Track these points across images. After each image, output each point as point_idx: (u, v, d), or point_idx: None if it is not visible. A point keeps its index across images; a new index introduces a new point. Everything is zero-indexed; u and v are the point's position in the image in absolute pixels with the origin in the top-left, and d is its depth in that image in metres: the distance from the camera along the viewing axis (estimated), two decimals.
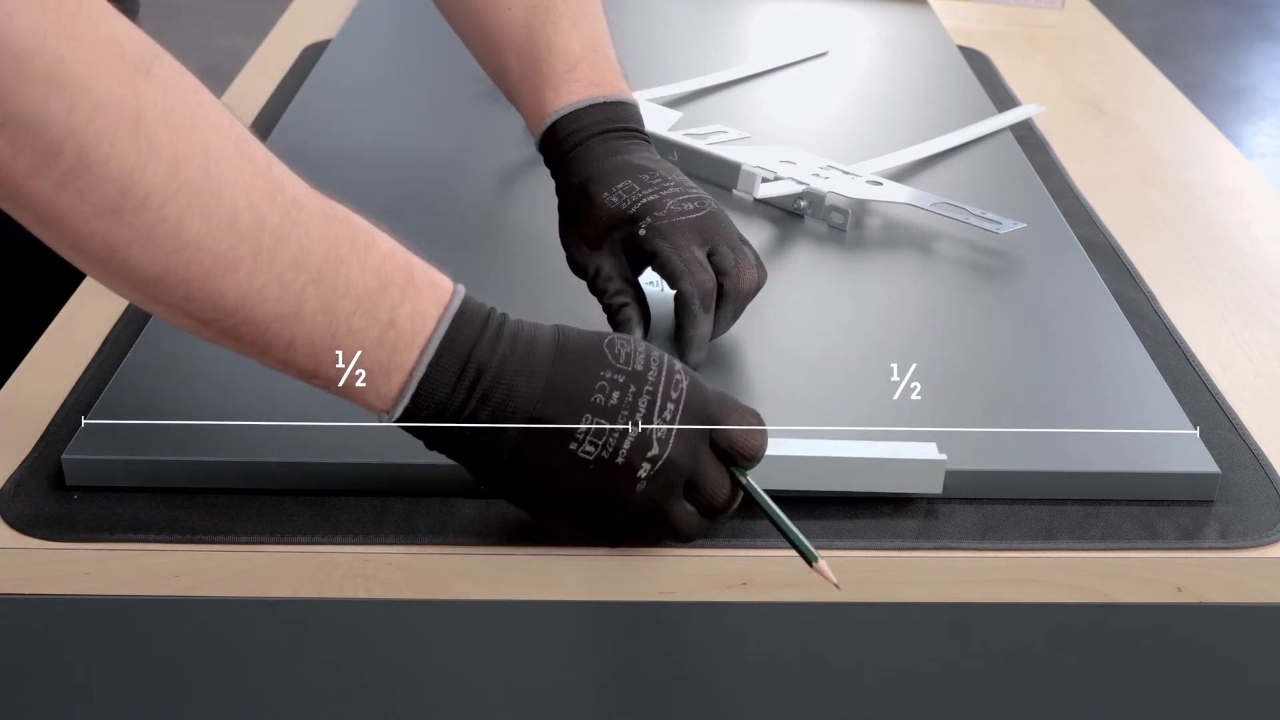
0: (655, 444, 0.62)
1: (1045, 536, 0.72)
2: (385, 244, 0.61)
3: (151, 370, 0.81)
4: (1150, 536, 0.72)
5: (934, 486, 0.72)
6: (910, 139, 1.14)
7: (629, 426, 0.61)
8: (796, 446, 0.72)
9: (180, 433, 0.74)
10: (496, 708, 0.75)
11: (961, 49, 1.42)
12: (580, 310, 0.87)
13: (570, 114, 0.87)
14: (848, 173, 1.04)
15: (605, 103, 0.87)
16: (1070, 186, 1.12)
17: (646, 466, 0.62)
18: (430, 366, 0.61)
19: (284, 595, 0.70)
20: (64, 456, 0.73)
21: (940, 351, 0.85)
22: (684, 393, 0.63)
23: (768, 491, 0.71)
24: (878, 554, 0.71)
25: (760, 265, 0.84)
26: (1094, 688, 0.75)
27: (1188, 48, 4.35)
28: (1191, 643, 0.74)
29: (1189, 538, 0.72)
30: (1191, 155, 1.23)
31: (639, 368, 0.63)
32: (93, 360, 0.84)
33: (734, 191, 1.05)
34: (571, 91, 0.87)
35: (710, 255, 0.82)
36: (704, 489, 0.65)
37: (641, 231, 0.81)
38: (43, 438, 0.77)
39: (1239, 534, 0.72)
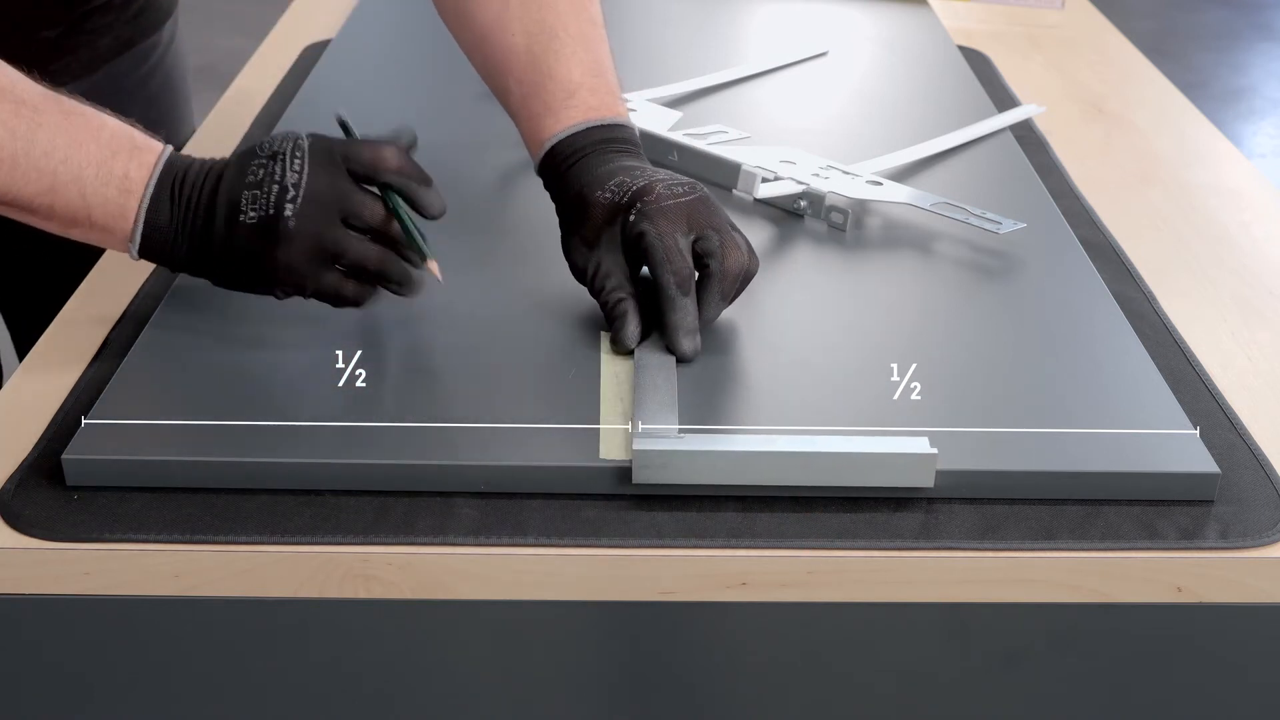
0: (290, 188, 0.77)
1: (1045, 536, 0.72)
2: (112, 123, 0.79)
3: (151, 370, 0.81)
4: (1150, 536, 0.72)
5: (925, 480, 0.72)
6: (910, 139, 1.14)
7: (270, 184, 0.78)
8: (789, 442, 0.72)
9: (180, 433, 0.74)
10: (496, 708, 0.75)
11: (961, 49, 1.41)
12: (580, 308, 0.87)
13: (568, 137, 0.89)
14: (848, 173, 1.04)
15: (602, 125, 0.89)
16: (1070, 186, 1.12)
17: (290, 207, 0.77)
18: (151, 200, 0.79)
19: (284, 595, 0.70)
20: (64, 456, 0.73)
21: (940, 351, 0.85)
22: (305, 148, 0.79)
23: (768, 488, 0.72)
24: (878, 554, 0.71)
25: (751, 252, 0.84)
26: (1094, 688, 0.75)
27: (1188, 48, 4.35)
28: (1191, 643, 0.74)
29: (1189, 538, 0.72)
30: (1191, 155, 1.23)
31: (276, 149, 0.79)
32: (93, 360, 0.84)
33: (734, 191, 1.05)
34: (570, 117, 0.89)
35: (697, 240, 0.82)
36: (357, 212, 0.79)
37: (631, 217, 0.83)
38: (43, 438, 0.77)
39: (1239, 534, 0.72)
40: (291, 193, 0.77)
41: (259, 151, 0.79)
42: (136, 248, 0.79)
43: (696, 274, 0.83)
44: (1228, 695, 0.76)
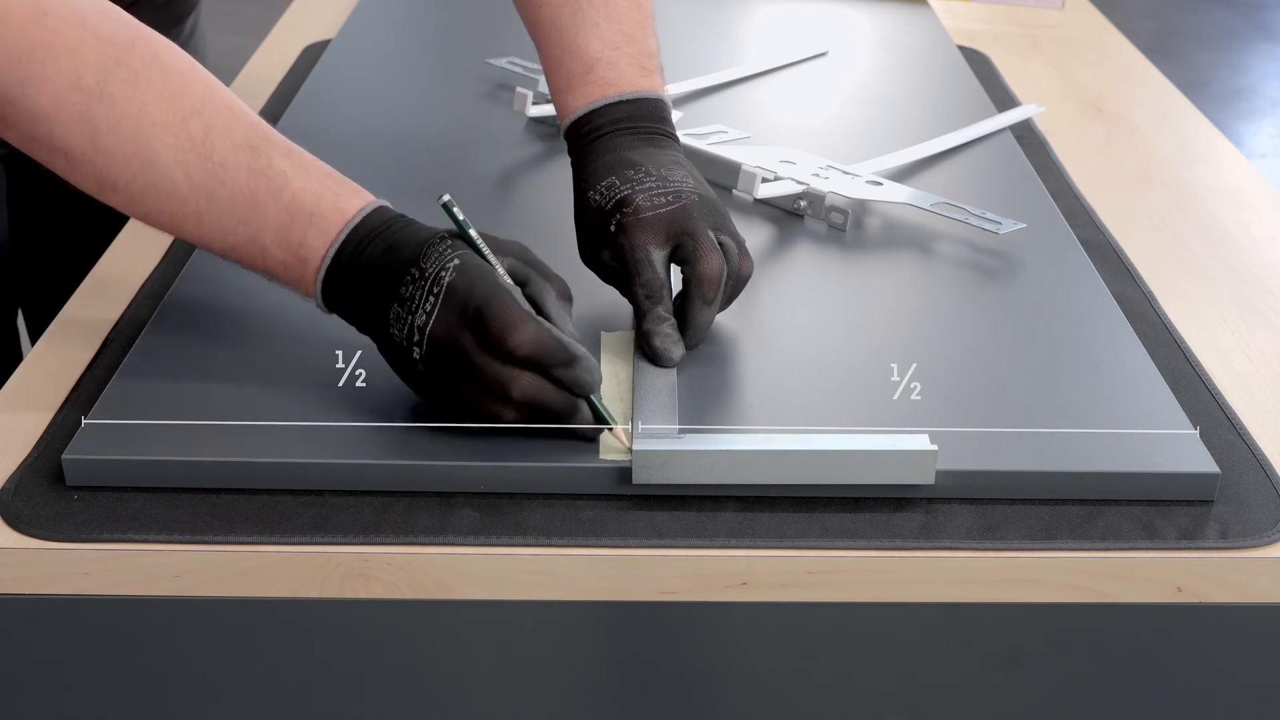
0: (417, 331, 0.73)
1: (1045, 536, 0.72)
2: (297, 183, 0.77)
3: (151, 370, 0.81)
4: (1150, 536, 0.72)
5: (926, 477, 0.72)
6: (910, 139, 1.14)
7: (407, 314, 0.74)
8: (789, 441, 0.72)
9: (180, 433, 0.74)
10: (496, 708, 0.75)
11: (961, 49, 1.41)
12: (580, 308, 0.87)
13: (583, 116, 0.88)
14: (848, 173, 1.04)
15: (618, 102, 0.88)
16: (1070, 186, 1.12)
17: (418, 350, 0.73)
18: (327, 272, 0.76)
19: (284, 595, 0.70)
20: (64, 456, 0.73)
21: (940, 351, 0.85)
22: (444, 288, 0.73)
23: (769, 486, 0.73)
24: (878, 554, 0.71)
25: (744, 254, 0.83)
26: (1094, 688, 0.75)
27: (1188, 48, 4.35)
28: (1191, 643, 0.74)
29: (1189, 538, 0.72)
30: (1191, 155, 1.23)
31: (426, 266, 0.74)
32: (93, 360, 0.84)
33: (734, 191, 1.05)
34: (587, 94, 0.89)
35: (675, 249, 0.82)
36: (476, 372, 0.72)
37: (612, 228, 0.83)
38: (43, 438, 0.77)
39: (1239, 534, 0.72)
40: (418, 336, 0.73)
41: (419, 260, 0.74)
42: (323, 310, 0.78)
43: (671, 283, 0.82)
44: (1228, 695, 0.76)
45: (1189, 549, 0.71)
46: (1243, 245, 1.05)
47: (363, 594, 0.70)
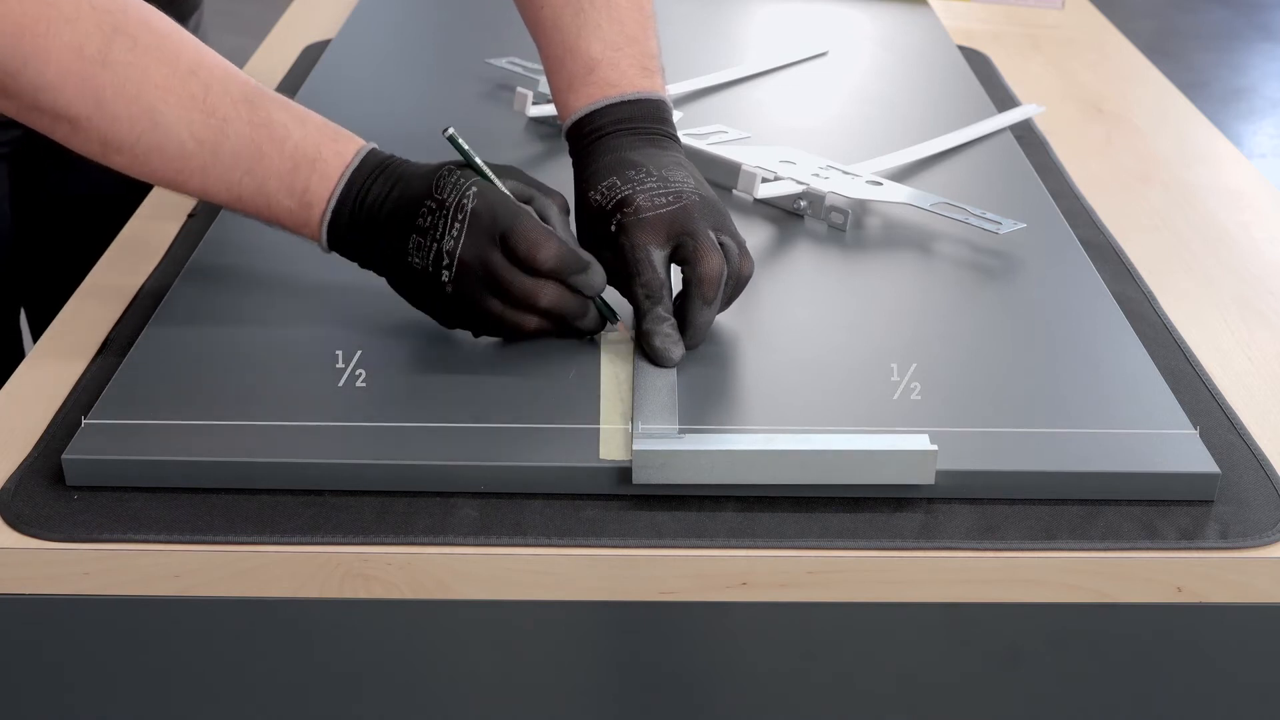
0: (445, 255, 0.78)
1: (1045, 536, 0.72)
2: (298, 133, 0.80)
3: (151, 370, 0.81)
4: (1150, 536, 0.72)
5: (926, 477, 0.72)
6: (910, 139, 1.14)
7: (430, 242, 0.78)
8: (789, 441, 0.72)
9: (180, 433, 0.74)
10: (496, 708, 0.75)
11: (961, 49, 1.41)
12: None
13: (584, 117, 0.89)
14: (848, 173, 1.04)
15: (619, 103, 0.88)
16: (1070, 186, 1.12)
17: (446, 273, 0.78)
18: (333, 214, 0.80)
19: (284, 595, 0.70)
20: (64, 456, 0.73)
21: (940, 351, 0.85)
22: (468, 214, 0.78)
23: (769, 486, 0.73)
24: (878, 554, 0.71)
25: (744, 254, 0.83)
26: (1094, 688, 0.75)
27: (1188, 48, 4.35)
28: (1191, 643, 0.74)
29: (1189, 538, 0.72)
30: (1191, 155, 1.23)
31: (444, 196, 0.79)
32: (93, 360, 0.84)
33: (734, 191, 1.05)
34: (588, 94, 0.89)
35: (675, 249, 0.82)
36: (505, 286, 0.79)
37: (613, 228, 0.83)
38: (43, 438, 0.77)
39: (1239, 534, 0.72)
40: (446, 260, 0.78)
41: (434, 192, 0.79)
42: (327, 251, 0.82)
43: (672, 283, 0.82)
44: (1228, 695, 0.76)
45: (1189, 549, 0.71)
46: (1243, 245, 1.05)
47: (363, 594, 0.70)
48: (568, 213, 0.83)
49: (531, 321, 0.80)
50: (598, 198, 0.84)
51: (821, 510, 0.73)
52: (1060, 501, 0.74)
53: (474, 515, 0.72)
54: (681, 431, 0.74)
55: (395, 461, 0.73)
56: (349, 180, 0.80)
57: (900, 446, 0.72)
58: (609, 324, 0.83)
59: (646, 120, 0.89)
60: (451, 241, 0.78)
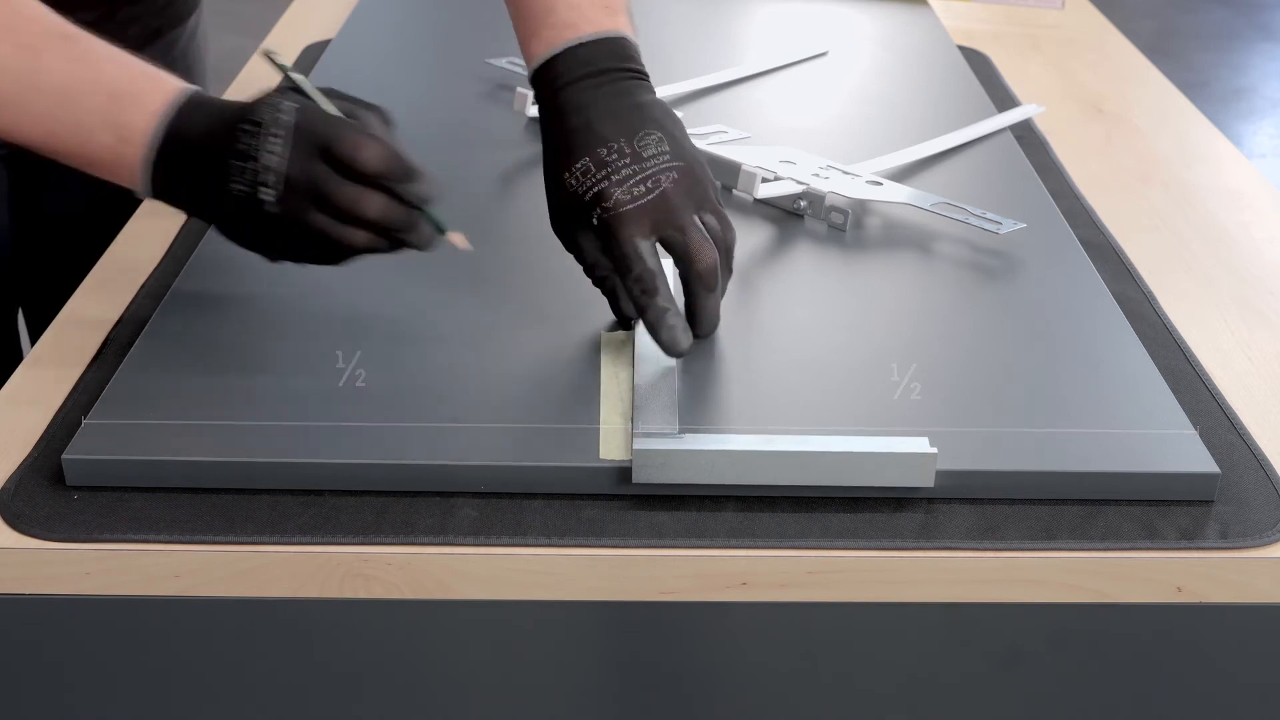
0: (265, 170, 0.76)
1: (1045, 536, 0.72)
2: (113, 70, 0.78)
3: (151, 370, 0.81)
4: (1150, 536, 0.72)
5: (925, 480, 0.72)
6: (910, 139, 1.14)
7: (251, 163, 0.76)
8: (789, 443, 0.73)
9: (180, 433, 0.74)
10: (496, 708, 0.75)
11: (961, 49, 1.41)
12: (580, 308, 0.87)
13: (545, 64, 0.86)
14: (848, 173, 1.04)
15: (578, 45, 0.85)
16: (1070, 186, 1.12)
17: (268, 191, 0.76)
18: (156, 150, 0.77)
19: (284, 595, 0.70)
20: (64, 456, 0.73)
21: (940, 351, 0.85)
22: (288, 129, 0.76)
23: (769, 486, 0.73)
24: (878, 554, 0.71)
25: (725, 225, 0.83)
26: (1094, 688, 0.75)
27: (1188, 48, 4.35)
28: (1192, 643, 0.74)
29: (1189, 538, 0.72)
30: (1191, 155, 1.23)
31: (261, 116, 0.76)
32: (93, 360, 0.84)
33: (734, 191, 1.05)
34: (548, 39, 0.86)
35: (661, 240, 0.81)
36: (331, 197, 0.76)
37: (595, 223, 0.82)
38: (43, 438, 0.77)
39: (1239, 534, 0.72)
40: (267, 176, 0.76)
41: (250, 115, 0.77)
42: (146, 193, 0.79)
43: (663, 267, 0.81)
44: (1228, 695, 0.76)
45: (1189, 549, 0.71)
46: (1243, 245, 1.05)
47: (363, 594, 0.70)
48: (391, 125, 0.81)
49: (360, 237, 0.78)
50: (573, 182, 0.83)
51: (821, 510, 0.73)
52: (1060, 501, 0.74)
53: (474, 515, 0.72)
54: (682, 431, 0.74)
55: (395, 461, 0.73)
56: (171, 116, 0.77)
57: (900, 449, 0.72)
58: (441, 236, 0.80)
59: (610, 61, 0.86)
60: (272, 157, 0.75)
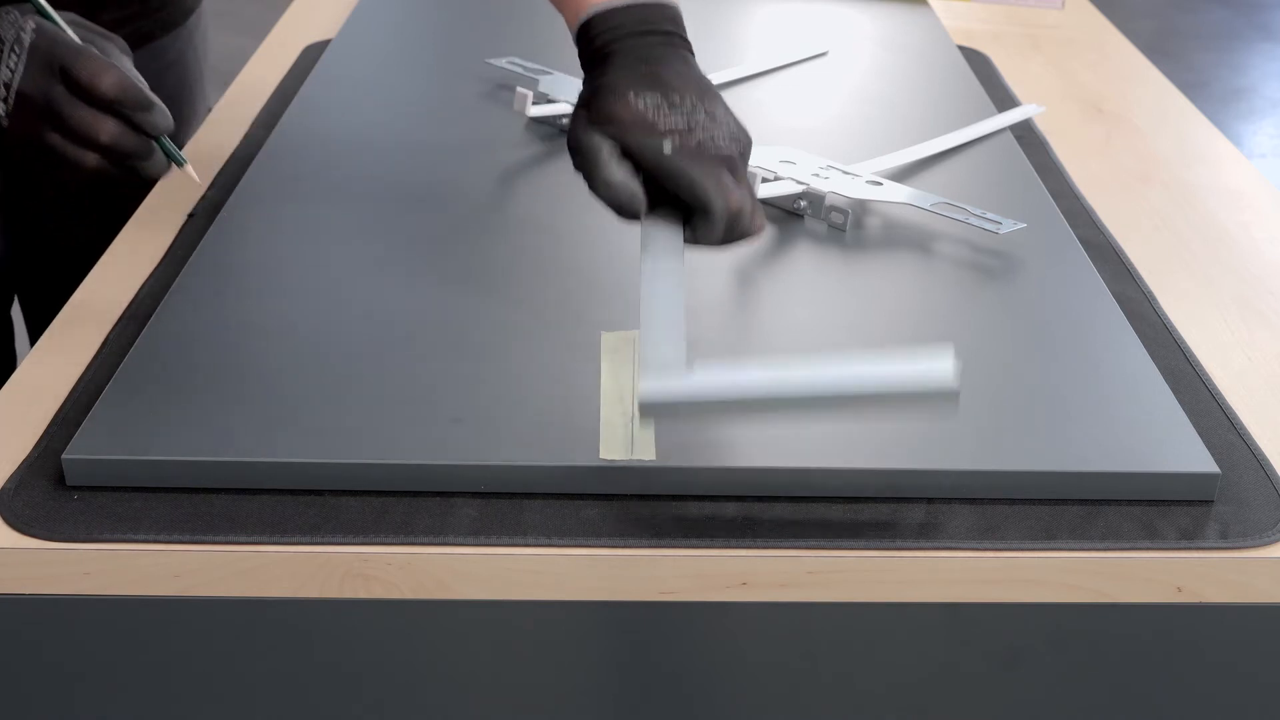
0: (2, 86, 0.78)
1: (1045, 536, 0.72)
2: None
3: (151, 370, 0.81)
4: (1150, 536, 0.72)
5: (948, 383, 0.66)
6: (910, 139, 1.14)
7: None
8: (798, 374, 0.68)
9: (180, 433, 0.74)
10: (496, 708, 0.75)
11: (961, 49, 1.42)
12: (580, 308, 0.87)
13: (597, 16, 0.84)
14: (848, 173, 1.04)
15: (629, 5, 0.83)
16: (1070, 186, 1.12)
17: (2, 105, 0.78)
18: None
19: (284, 595, 0.70)
20: (64, 456, 0.73)
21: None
22: (25, 47, 0.78)
23: (769, 486, 0.72)
24: (878, 554, 0.71)
25: (740, 130, 0.82)
26: (1094, 688, 0.75)
27: (1188, 48, 4.36)
28: (1191, 643, 0.74)
29: (1189, 538, 0.72)
30: (1191, 155, 1.23)
31: (3, 34, 0.79)
32: (93, 360, 0.84)
33: None
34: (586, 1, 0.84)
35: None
36: (65, 119, 0.78)
37: (666, 150, 0.79)
38: (43, 438, 0.77)
39: (1239, 534, 0.72)
40: (4, 93, 0.78)
41: None
42: None
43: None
44: (1228, 695, 0.76)
45: (1189, 549, 0.71)
46: (1243, 245, 1.05)
47: (363, 594, 0.70)
48: (130, 54, 0.83)
49: (91, 158, 0.80)
50: (642, 105, 0.79)
51: (822, 510, 0.73)
52: (1060, 501, 0.74)
53: (474, 515, 0.72)
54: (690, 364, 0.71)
55: (395, 461, 0.73)
56: None
57: (917, 364, 0.67)
58: (175, 167, 0.83)
59: (664, 23, 0.84)
60: (8, 73, 0.78)
